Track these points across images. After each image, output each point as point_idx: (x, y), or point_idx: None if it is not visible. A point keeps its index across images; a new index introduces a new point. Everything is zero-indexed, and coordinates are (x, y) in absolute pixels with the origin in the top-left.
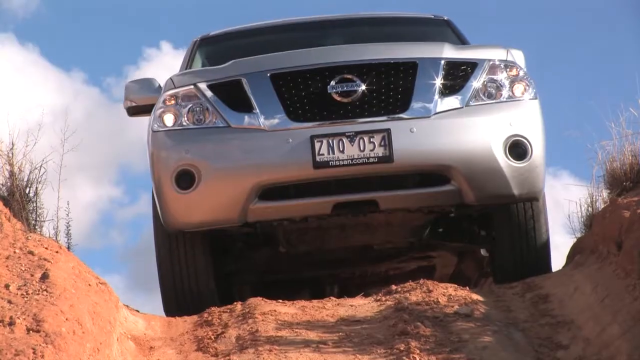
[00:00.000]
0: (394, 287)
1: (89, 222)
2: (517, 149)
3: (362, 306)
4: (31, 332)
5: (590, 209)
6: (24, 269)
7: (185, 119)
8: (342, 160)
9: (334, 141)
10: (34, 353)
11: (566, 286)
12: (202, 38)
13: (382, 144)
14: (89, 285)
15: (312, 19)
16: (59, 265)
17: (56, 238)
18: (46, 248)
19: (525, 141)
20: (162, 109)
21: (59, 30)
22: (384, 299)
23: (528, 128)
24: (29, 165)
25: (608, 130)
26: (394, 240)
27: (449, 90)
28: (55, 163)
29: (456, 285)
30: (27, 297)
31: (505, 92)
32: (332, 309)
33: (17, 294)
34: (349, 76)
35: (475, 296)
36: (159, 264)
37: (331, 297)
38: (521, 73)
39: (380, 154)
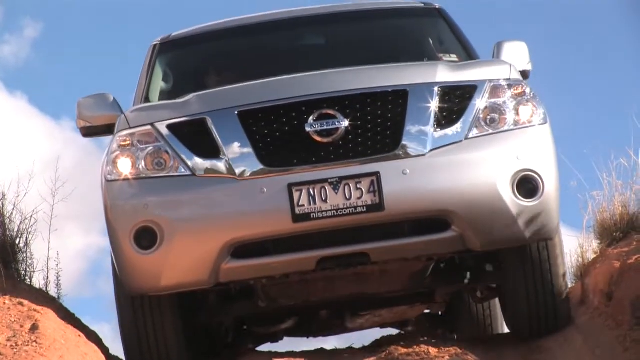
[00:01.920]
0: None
1: (78, 271)
2: (527, 185)
3: None
4: None
5: (580, 259)
6: (13, 320)
7: (143, 164)
8: (326, 211)
9: (315, 189)
10: None
11: (556, 337)
12: (162, 42)
13: (371, 190)
14: (79, 336)
15: (287, 15)
16: (48, 317)
17: (46, 288)
18: (36, 299)
19: (536, 176)
20: (115, 153)
21: (48, 78)
22: None
23: (538, 160)
24: (19, 215)
25: (600, 180)
26: (390, 290)
27: (445, 120)
28: (46, 213)
29: (457, 349)
30: (16, 349)
31: (510, 118)
32: None
33: (6, 345)
34: (329, 112)
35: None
36: (121, 328)
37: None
38: (527, 91)
39: (370, 202)
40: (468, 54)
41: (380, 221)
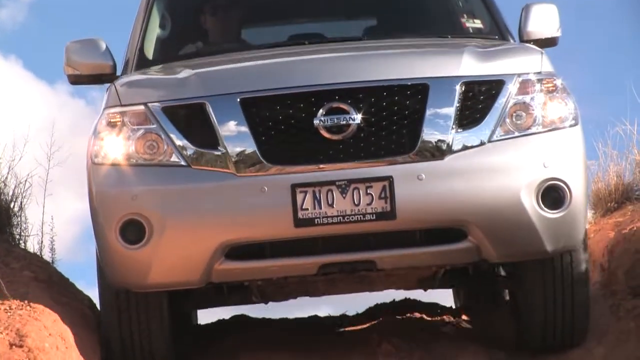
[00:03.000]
0: None
1: (72, 236)
2: (553, 195)
3: None
4: (14, 347)
5: None
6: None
7: (134, 148)
8: (331, 217)
9: (321, 192)
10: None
11: None
12: None
13: (382, 196)
14: (74, 301)
15: None
16: (42, 281)
17: (40, 253)
18: (30, 263)
19: (563, 185)
20: (104, 133)
21: (44, 43)
22: None
23: (567, 168)
24: (14, 179)
25: (595, 149)
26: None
27: (467, 120)
28: (41, 178)
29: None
30: (10, 312)
31: (538, 118)
32: None
33: (0, 309)
34: (341, 105)
35: None
36: (103, 324)
37: None
38: (559, 85)
39: (380, 210)
40: (493, 19)
41: (390, 229)
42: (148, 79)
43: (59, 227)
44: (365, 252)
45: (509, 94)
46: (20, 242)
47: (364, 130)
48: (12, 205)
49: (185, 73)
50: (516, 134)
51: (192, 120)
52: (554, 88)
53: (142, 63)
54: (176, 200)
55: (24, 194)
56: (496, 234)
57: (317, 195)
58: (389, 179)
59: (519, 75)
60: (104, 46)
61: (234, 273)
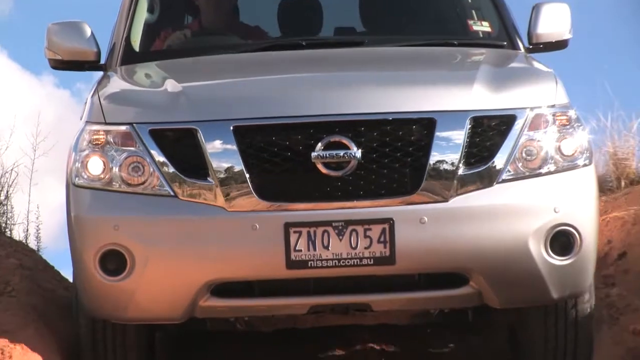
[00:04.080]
0: None
1: (58, 224)
2: (562, 241)
3: None
4: None
5: None
6: None
7: (118, 173)
8: (326, 260)
9: (317, 233)
10: (1, 353)
11: None
12: None
13: (382, 239)
14: (59, 288)
15: None
16: (24, 269)
17: (26, 241)
18: (15, 251)
19: (574, 231)
20: (86, 152)
21: (30, 35)
22: None
23: (579, 212)
24: (0, 168)
25: None
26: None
27: (475, 159)
28: (27, 167)
29: None
30: None
31: (550, 156)
32: None
33: None
34: (341, 140)
35: None
36: (81, 351)
37: None
38: (573, 118)
39: (378, 254)
40: (502, 22)
41: (388, 274)
42: (135, 95)
43: (44, 215)
44: (360, 295)
45: (521, 130)
46: (6, 230)
47: (365, 167)
48: None
49: (175, 90)
50: (526, 173)
51: (181, 146)
52: (567, 122)
53: (129, 56)
54: (161, 233)
55: (9, 183)
56: (500, 281)
57: (312, 236)
58: (390, 221)
59: (532, 109)
60: (88, 31)
61: (219, 310)
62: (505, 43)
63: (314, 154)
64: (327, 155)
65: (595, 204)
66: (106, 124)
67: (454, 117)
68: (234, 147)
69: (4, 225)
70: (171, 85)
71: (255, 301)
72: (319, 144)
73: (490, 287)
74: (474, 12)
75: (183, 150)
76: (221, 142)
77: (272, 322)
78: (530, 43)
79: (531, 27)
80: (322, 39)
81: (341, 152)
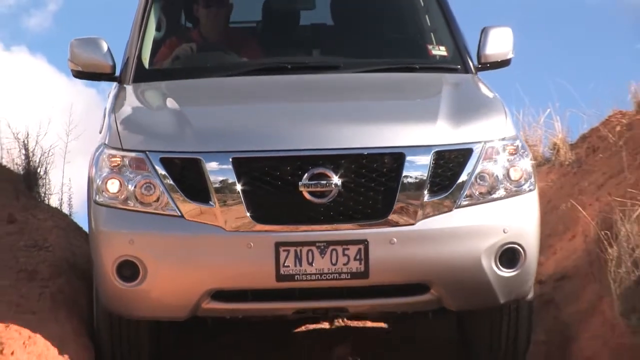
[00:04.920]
0: None
1: (85, 194)
2: (509, 256)
3: None
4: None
5: None
6: (35, 229)
7: (133, 194)
8: (310, 274)
9: (302, 251)
10: (39, 295)
11: None
12: None
13: (358, 257)
14: (85, 244)
15: None
16: (59, 229)
17: (60, 207)
18: (52, 215)
19: (519, 248)
20: (106, 175)
21: (65, 45)
22: None
23: (524, 232)
24: (40, 150)
25: None
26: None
27: (437, 187)
28: (61, 149)
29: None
30: (34, 251)
31: (501, 183)
32: None
33: (26, 250)
34: (325, 171)
35: None
36: (96, 333)
37: None
38: (519, 148)
39: (354, 270)
40: (456, 46)
41: (362, 286)
42: (147, 124)
43: (75, 187)
44: (338, 301)
45: (476, 161)
46: (45, 199)
47: (344, 195)
48: (38, 170)
49: (182, 121)
50: (480, 199)
51: (187, 173)
52: (515, 151)
53: (140, 73)
54: (169, 247)
55: (47, 162)
56: (456, 289)
57: (299, 254)
58: (365, 242)
59: (486, 142)
60: (105, 47)
61: (218, 311)
62: (459, 67)
63: (300, 183)
64: (312, 185)
65: (537, 224)
66: (123, 150)
67: (420, 151)
68: (232, 175)
69: (43, 195)
70: (178, 116)
71: (249, 305)
72: (306, 175)
73: (448, 295)
74: (432, 35)
75: (189, 176)
76: (222, 170)
77: (262, 317)
78: (479, 62)
79: (480, 49)
80: (303, 62)
81: (324, 182)
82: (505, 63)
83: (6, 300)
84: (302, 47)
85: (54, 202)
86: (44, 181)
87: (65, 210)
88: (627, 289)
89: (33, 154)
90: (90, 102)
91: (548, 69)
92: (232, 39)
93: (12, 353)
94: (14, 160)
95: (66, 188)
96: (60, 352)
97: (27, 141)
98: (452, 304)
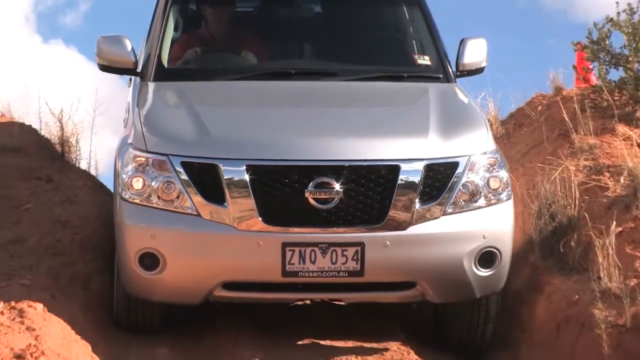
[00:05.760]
0: None
1: (110, 160)
2: (487, 258)
3: None
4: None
5: None
6: (68, 187)
7: (156, 192)
8: (312, 271)
9: (306, 251)
10: (74, 234)
11: None
12: None
13: (355, 258)
14: (109, 198)
15: None
16: (86, 188)
17: (89, 169)
18: (82, 176)
19: (496, 251)
20: (131, 173)
21: (95, 37)
22: None
23: (501, 237)
24: (72, 122)
25: None
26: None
27: (427, 196)
28: (89, 123)
29: None
30: (67, 204)
31: (482, 193)
32: None
33: (59, 202)
34: (328, 181)
35: None
36: (115, 300)
37: None
38: (498, 160)
39: (351, 269)
40: (439, 56)
41: (357, 282)
42: (170, 129)
43: (100, 154)
44: (335, 293)
45: (462, 173)
46: (76, 163)
47: (345, 202)
48: (70, 140)
49: (201, 129)
50: (464, 207)
51: (205, 176)
52: (494, 163)
53: (160, 72)
54: (187, 243)
55: (78, 133)
56: (440, 286)
57: (303, 253)
58: (361, 244)
59: (470, 156)
60: (128, 45)
61: (228, 298)
62: (441, 75)
63: (306, 191)
64: (317, 192)
65: (512, 229)
66: (147, 152)
67: (413, 163)
68: (245, 180)
69: (74, 159)
70: (197, 122)
71: (255, 294)
72: (311, 183)
73: (432, 290)
74: (417, 45)
75: (206, 179)
76: (236, 176)
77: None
78: (457, 70)
79: (459, 58)
80: (305, 68)
81: (327, 190)
82: (479, 70)
83: (44, 244)
84: (302, 52)
85: (83, 165)
86: (75, 148)
87: (93, 172)
88: (545, 237)
89: (66, 126)
90: (113, 85)
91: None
92: (237, 38)
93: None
94: (50, 131)
95: (93, 154)
96: (85, 287)
97: (62, 116)
98: (435, 298)
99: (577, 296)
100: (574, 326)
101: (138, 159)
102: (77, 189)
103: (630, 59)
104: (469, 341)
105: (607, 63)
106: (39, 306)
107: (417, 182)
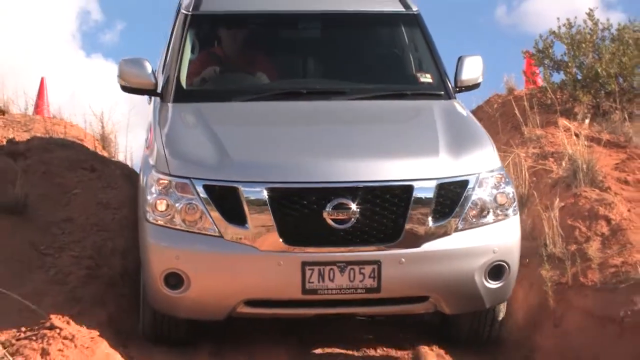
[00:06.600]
0: None
1: (142, 153)
2: (496, 271)
3: None
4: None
5: None
6: (109, 174)
7: (179, 215)
8: (331, 289)
9: (325, 270)
10: (113, 214)
11: None
12: (193, 15)
13: (372, 275)
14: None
15: (291, 12)
16: (123, 177)
17: (125, 160)
18: (119, 167)
19: (505, 265)
20: (155, 196)
21: (131, 52)
22: None
23: (509, 251)
24: (111, 123)
25: None
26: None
27: (439, 214)
28: (125, 122)
29: None
30: (108, 190)
31: (490, 210)
32: None
33: (101, 189)
34: (345, 202)
35: None
36: (142, 315)
37: None
38: (505, 177)
39: (369, 286)
40: (439, 74)
41: (374, 298)
42: (192, 153)
43: (134, 148)
44: (353, 308)
45: (472, 191)
46: (114, 155)
47: (361, 222)
48: (110, 136)
49: (222, 152)
50: (474, 224)
51: (226, 198)
52: (500, 179)
53: (179, 94)
54: (210, 263)
55: (115, 130)
56: (452, 299)
57: (322, 272)
58: (378, 262)
59: (479, 174)
60: (149, 68)
61: (251, 314)
62: (442, 92)
63: (324, 212)
64: (334, 213)
65: (519, 243)
66: (170, 175)
67: (426, 183)
68: (266, 202)
69: (113, 152)
70: (218, 146)
71: (277, 310)
72: (329, 204)
73: (444, 303)
74: (416, 63)
75: (228, 202)
76: (256, 198)
77: None
78: (456, 86)
79: (457, 75)
80: (316, 88)
81: (344, 210)
82: (476, 86)
83: (89, 222)
84: (309, 72)
85: (120, 157)
86: (114, 143)
87: (128, 162)
88: None
89: (106, 126)
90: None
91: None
92: (249, 58)
93: (90, 256)
94: (93, 129)
95: (128, 148)
96: (123, 257)
97: (102, 117)
98: (447, 309)
99: (527, 260)
100: (526, 284)
101: (162, 181)
102: (116, 177)
103: (569, 64)
104: (476, 338)
105: (550, 68)
106: (84, 272)
107: (430, 200)
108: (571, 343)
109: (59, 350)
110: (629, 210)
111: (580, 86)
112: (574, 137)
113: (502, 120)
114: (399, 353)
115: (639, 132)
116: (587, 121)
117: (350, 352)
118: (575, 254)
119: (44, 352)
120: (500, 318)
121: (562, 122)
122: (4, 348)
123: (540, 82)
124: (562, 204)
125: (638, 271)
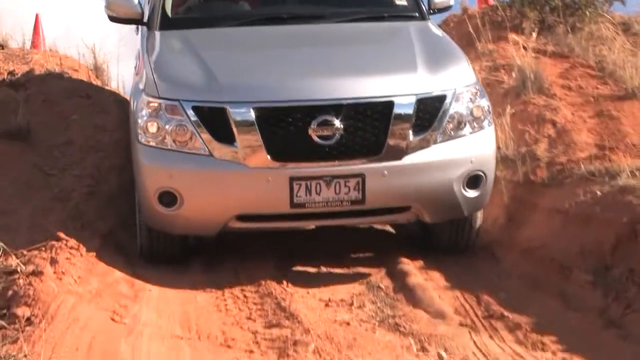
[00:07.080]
0: None
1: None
2: (474, 180)
3: None
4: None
5: None
6: (106, 99)
7: (170, 136)
8: (318, 202)
9: (312, 184)
10: (113, 141)
11: None
12: None
13: (356, 188)
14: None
15: None
16: (114, 103)
17: (117, 88)
18: (112, 94)
19: (482, 174)
20: (145, 118)
21: None
22: None
23: (486, 160)
24: (102, 53)
25: None
26: None
27: (419, 128)
28: (115, 53)
29: None
30: (98, 113)
31: (467, 122)
32: None
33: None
34: (329, 118)
35: None
36: (139, 232)
37: None
38: (479, 90)
39: (354, 198)
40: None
41: (359, 210)
42: (180, 76)
43: (125, 75)
44: (339, 219)
45: (449, 105)
46: (107, 83)
47: (345, 138)
48: (102, 66)
49: (209, 75)
50: (452, 136)
51: (215, 119)
52: (476, 93)
53: (165, 23)
54: (202, 181)
55: (107, 60)
56: (432, 208)
57: (309, 186)
58: (362, 175)
59: (455, 89)
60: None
61: (243, 228)
62: (417, 14)
63: (310, 128)
64: (319, 129)
65: (494, 154)
66: (160, 98)
67: (406, 98)
68: (253, 121)
69: (106, 80)
70: (205, 69)
71: (267, 224)
72: (314, 121)
73: (425, 212)
74: None
75: (216, 122)
76: (244, 117)
77: None
78: (429, 8)
79: None
80: (296, 13)
81: (329, 127)
82: (448, 8)
83: (88, 144)
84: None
85: (113, 85)
86: (106, 72)
87: (120, 90)
88: None
89: (98, 56)
90: (131, 27)
91: None
92: None
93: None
94: (87, 61)
95: (120, 76)
96: (120, 175)
97: (94, 48)
98: (428, 218)
99: None
100: None
101: (151, 104)
102: (110, 103)
103: None
104: (455, 246)
105: None
106: (85, 189)
107: (410, 115)
108: (523, 234)
109: (67, 258)
110: (572, 114)
111: (527, 3)
112: (523, 50)
113: (457, 37)
114: (381, 267)
115: (580, 44)
116: (534, 35)
117: (332, 269)
118: (525, 155)
119: (53, 261)
120: (477, 226)
121: (512, 36)
122: (17, 258)
123: (491, 0)
124: (513, 111)
125: (581, 167)
